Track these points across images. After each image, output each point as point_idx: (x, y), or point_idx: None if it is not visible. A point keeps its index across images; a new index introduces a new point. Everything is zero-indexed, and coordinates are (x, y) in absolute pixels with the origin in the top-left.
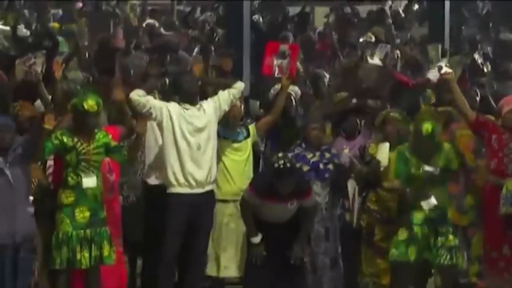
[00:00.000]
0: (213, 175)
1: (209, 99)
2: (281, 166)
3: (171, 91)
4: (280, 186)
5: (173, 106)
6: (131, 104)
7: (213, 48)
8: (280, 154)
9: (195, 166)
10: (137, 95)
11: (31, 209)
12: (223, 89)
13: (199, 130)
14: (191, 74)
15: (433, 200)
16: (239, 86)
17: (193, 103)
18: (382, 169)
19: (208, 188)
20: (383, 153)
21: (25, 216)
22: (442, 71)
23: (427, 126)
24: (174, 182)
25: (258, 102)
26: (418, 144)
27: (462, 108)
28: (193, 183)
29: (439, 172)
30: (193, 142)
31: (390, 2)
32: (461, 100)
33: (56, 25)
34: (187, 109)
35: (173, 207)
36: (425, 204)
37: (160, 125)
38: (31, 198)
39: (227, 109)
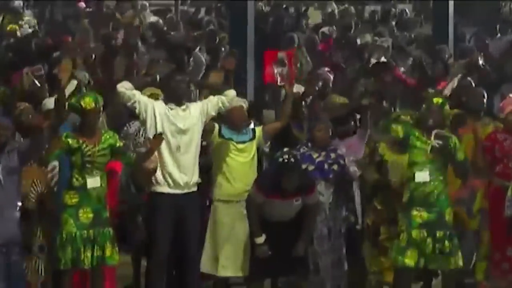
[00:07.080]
0: (195, 178)
1: (198, 101)
2: (286, 160)
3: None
4: (285, 180)
5: (159, 105)
6: (118, 95)
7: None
8: (285, 150)
9: (175, 167)
10: (123, 87)
11: (18, 214)
12: (215, 94)
13: (181, 131)
14: (182, 74)
15: (426, 175)
16: (231, 94)
17: (179, 103)
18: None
19: (189, 190)
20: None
21: (11, 220)
22: None
23: (437, 99)
24: (153, 181)
25: (273, 112)
26: (426, 118)
27: None
28: (172, 183)
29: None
30: (173, 143)
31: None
32: None
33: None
34: (171, 109)
35: (155, 206)
36: (419, 175)
37: (143, 123)
38: (19, 203)
39: (214, 114)
